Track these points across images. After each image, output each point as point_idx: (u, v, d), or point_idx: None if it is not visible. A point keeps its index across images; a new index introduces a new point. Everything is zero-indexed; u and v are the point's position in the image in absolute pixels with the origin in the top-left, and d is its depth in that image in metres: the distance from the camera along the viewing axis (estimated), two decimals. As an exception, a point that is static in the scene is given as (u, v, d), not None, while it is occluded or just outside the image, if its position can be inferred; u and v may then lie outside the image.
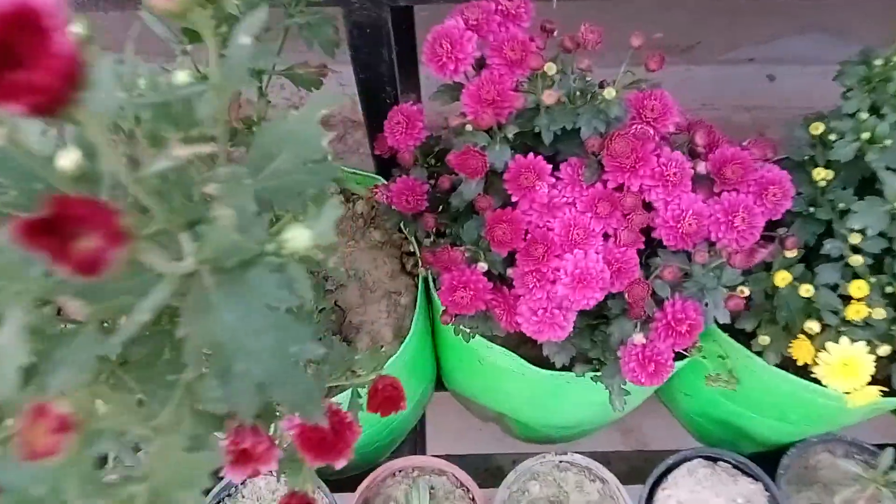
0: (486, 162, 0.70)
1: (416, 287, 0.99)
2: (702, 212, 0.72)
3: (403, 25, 1.20)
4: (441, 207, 0.84)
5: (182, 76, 0.45)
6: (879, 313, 0.76)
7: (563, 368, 0.85)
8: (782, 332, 0.84)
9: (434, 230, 0.82)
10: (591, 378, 0.85)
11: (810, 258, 0.85)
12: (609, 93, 0.68)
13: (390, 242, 1.07)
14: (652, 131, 0.70)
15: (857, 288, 0.77)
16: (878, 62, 0.84)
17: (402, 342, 0.96)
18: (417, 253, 0.91)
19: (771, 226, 0.82)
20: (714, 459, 1.05)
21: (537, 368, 0.87)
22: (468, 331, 0.83)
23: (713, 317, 0.74)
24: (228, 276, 0.34)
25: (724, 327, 0.87)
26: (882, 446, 1.03)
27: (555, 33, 0.80)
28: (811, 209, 0.84)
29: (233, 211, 0.37)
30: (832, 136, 0.83)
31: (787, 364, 0.87)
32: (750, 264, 0.68)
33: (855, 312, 0.76)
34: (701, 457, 1.05)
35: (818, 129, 0.83)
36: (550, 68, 0.69)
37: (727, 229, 0.72)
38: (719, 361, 0.95)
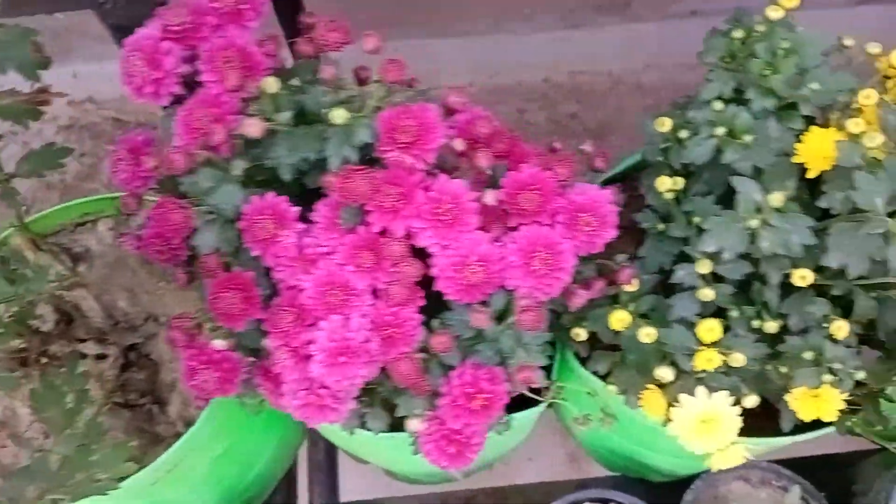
0: (188, 217, 0.53)
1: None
2: (489, 256, 0.55)
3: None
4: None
5: None
6: (738, 359, 0.60)
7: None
8: (636, 377, 0.68)
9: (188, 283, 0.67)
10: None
11: (667, 285, 0.69)
12: (339, 115, 0.50)
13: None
14: (410, 159, 0.53)
15: (708, 330, 0.60)
16: (738, 34, 0.66)
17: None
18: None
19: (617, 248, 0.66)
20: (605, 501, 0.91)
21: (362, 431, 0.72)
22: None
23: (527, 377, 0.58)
24: None
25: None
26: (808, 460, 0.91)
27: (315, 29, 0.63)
28: (663, 226, 0.67)
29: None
30: (684, 133, 0.66)
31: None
32: (540, 323, 0.52)
33: (705, 362, 0.60)
34: (590, 500, 0.92)
35: (665, 125, 0.66)
36: (270, 86, 0.52)
37: (524, 275, 0.55)
38: (590, 399, 0.80)
